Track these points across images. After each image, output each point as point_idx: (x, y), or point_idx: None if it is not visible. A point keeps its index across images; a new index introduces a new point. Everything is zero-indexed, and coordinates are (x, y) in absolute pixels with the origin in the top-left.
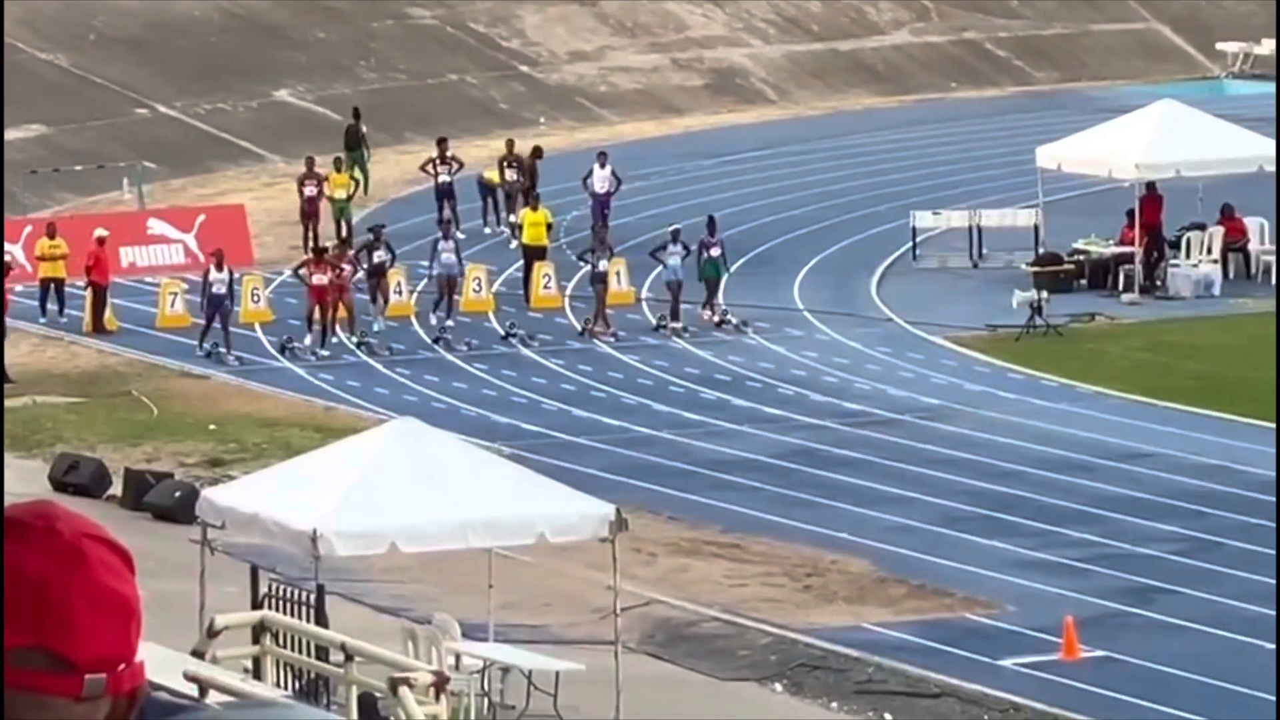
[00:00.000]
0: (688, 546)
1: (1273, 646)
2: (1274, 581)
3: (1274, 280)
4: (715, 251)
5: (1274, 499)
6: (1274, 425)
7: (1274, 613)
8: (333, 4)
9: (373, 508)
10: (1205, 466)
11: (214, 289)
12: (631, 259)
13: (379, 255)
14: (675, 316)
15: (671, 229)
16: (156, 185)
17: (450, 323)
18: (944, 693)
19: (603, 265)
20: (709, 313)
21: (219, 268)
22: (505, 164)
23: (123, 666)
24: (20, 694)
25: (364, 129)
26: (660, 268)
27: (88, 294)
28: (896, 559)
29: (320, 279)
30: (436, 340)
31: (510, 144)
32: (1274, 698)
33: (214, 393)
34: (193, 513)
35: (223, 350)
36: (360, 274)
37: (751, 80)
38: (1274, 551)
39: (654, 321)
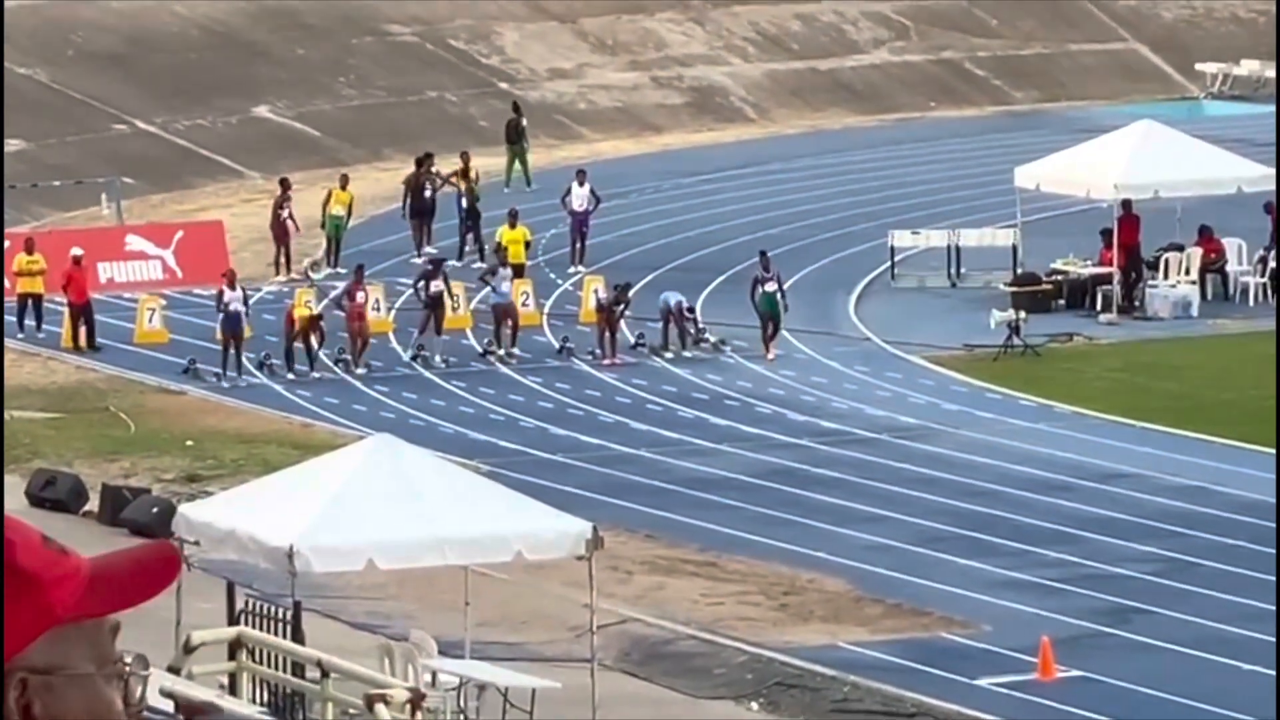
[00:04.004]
0: (665, 565)
1: (1250, 667)
2: (1251, 602)
3: (1272, 301)
4: (770, 286)
5: (1252, 520)
6: (1252, 446)
7: (1251, 633)
8: (312, 21)
9: (350, 524)
10: (1183, 487)
11: (230, 307)
12: (612, 278)
13: (436, 285)
14: (665, 345)
15: (674, 299)
16: (135, 201)
17: (516, 350)
18: (920, 712)
19: (604, 294)
20: (770, 351)
21: (232, 286)
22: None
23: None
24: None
25: (524, 123)
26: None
27: (66, 311)
28: (873, 578)
29: (303, 311)
30: (419, 358)
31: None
32: (1250, 718)
33: (191, 409)
34: (170, 528)
35: (234, 374)
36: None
37: (731, 98)
38: (1251, 572)
39: (632, 340)
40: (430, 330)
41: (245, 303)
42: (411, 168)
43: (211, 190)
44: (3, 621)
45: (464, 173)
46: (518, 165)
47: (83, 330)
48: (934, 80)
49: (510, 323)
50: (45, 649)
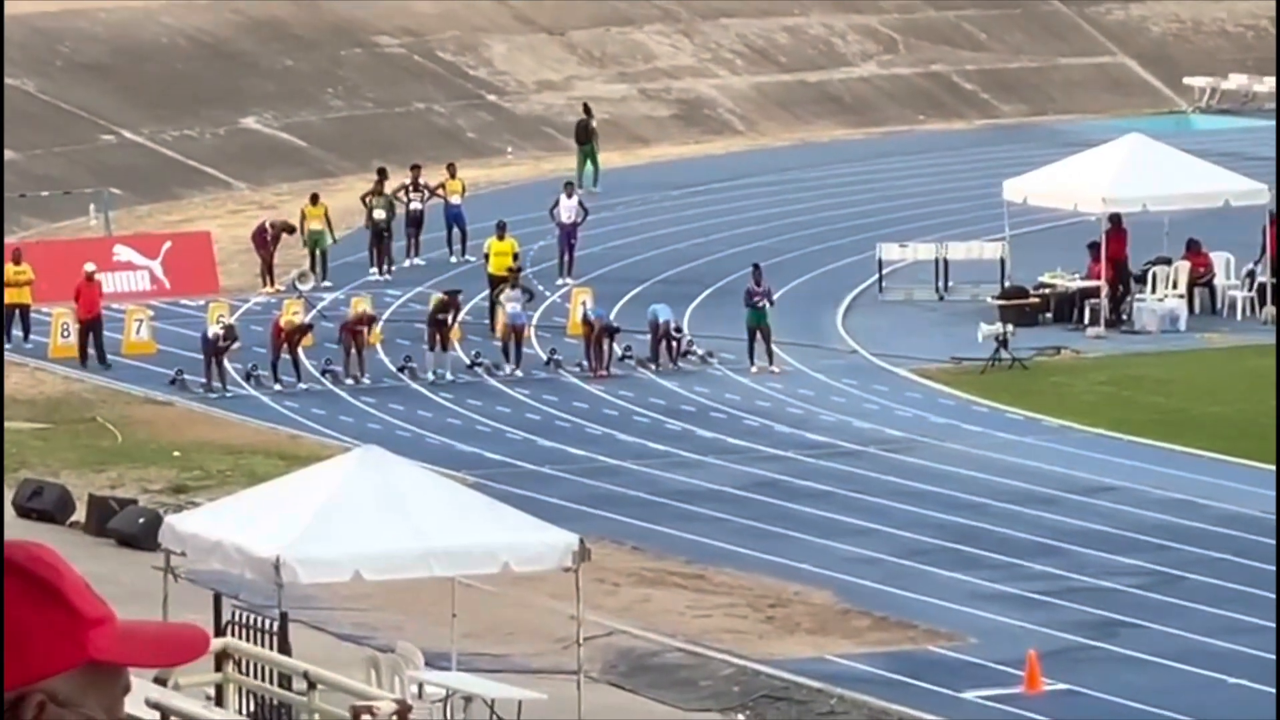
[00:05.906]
0: (651, 577)
1: (1236, 681)
2: (1238, 616)
3: (1259, 315)
4: (760, 301)
5: (1239, 533)
6: (1240, 460)
7: (1238, 647)
8: (300, 32)
9: (336, 535)
10: (1170, 501)
11: (209, 332)
12: (600, 290)
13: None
14: (654, 358)
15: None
16: (123, 211)
17: (519, 373)
18: None
19: (587, 306)
20: (756, 365)
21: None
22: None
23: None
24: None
25: (594, 124)
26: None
27: (56, 323)
28: (860, 590)
29: (290, 318)
30: (406, 369)
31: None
32: None
33: (178, 419)
34: (156, 539)
35: (220, 385)
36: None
37: (719, 111)
38: (1238, 586)
39: (620, 352)
40: (439, 348)
41: (230, 328)
42: (403, 179)
43: (199, 201)
44: (1, 634)
45: (378, 188)
46: (588, 166)
47: (76, 341)
48: (922, 93)
49: (515, 340)
50: (69, 683)
